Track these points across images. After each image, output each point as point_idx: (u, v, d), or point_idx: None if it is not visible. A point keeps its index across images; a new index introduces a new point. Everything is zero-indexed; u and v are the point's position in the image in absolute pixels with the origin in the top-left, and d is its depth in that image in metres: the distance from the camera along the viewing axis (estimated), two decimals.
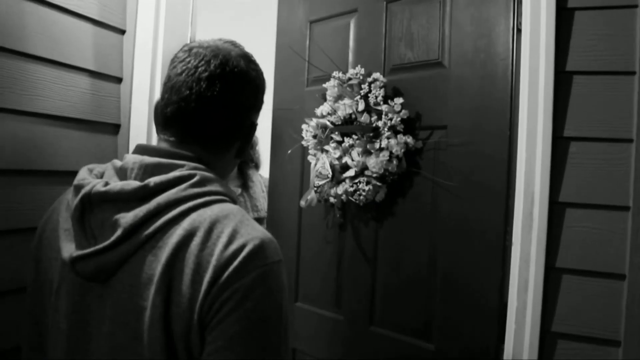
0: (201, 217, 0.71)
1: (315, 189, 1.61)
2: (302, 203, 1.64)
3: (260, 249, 0.70)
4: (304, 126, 1.68)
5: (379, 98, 1.48)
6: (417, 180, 1.48)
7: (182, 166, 0.76)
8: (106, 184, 0.75)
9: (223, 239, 0.69)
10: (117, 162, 0.78)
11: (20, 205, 1.01)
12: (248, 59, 0.85)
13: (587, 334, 1.15)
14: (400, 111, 1.47)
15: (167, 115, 0.80)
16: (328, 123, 1.61)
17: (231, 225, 0.71)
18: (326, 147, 1.61)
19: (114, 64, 1.29)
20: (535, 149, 1.18)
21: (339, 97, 1.59)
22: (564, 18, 1.19)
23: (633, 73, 1.13)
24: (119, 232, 0.70)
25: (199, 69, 0.78)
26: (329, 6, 1.74)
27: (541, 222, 1.17)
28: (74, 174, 0.78)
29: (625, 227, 1.13)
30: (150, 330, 0.68)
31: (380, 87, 1.50)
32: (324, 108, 1.61)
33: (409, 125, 1.49)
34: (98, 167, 0.81)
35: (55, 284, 0.77)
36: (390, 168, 1.46)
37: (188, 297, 0.67)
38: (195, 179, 0.74)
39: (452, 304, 1.37)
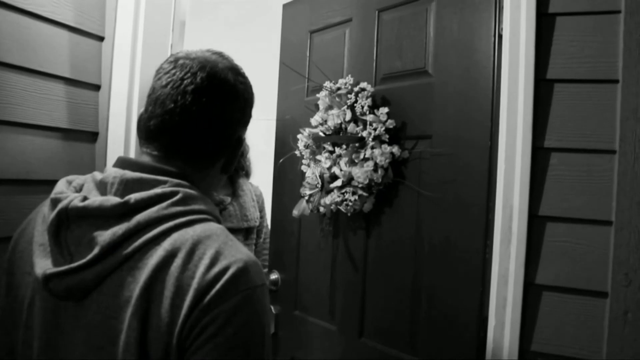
0: (183, 238, 0.68)
1: (307, 198, 1.61)
2: (295, 212, 1.64)
3: (243, 272, 0.67)
4: (299, 136, 1.68)
5: (365, 108, 1.47)
6: (403, 190, 1.46)
7: (164, 182, 0.73)
8: (84, 198, 0.72)
9: (205, 261, 0.66)
10: (98, 175, 0.76)
11: None
12: (236, 72, 0.82)
13: (568, 353, 1.10)
14: (386, 121, 1.45)
15: (150, 129, 0.77)
16: (320, 133, 1.61)
17: (214, 247, 0.68)
18: (318, 157, 1.61)
19: (92, 71, 1.27)
20: (515, 160, 1.14)
21: (329, 107, 1.58)
22: (545, 24, 1.14)
23: (616, 81, 1.08)
24: (96, 251, 0.67)
25: (185, 82, 0.75)
26: (328, 16, 1.73)
27: (520, 236, 1.13)
28: (49, 182, 0.75)
29: (608, 242, 1.07)
30: (125, 354, 0.65)
31: (368, 97, 1.48)
32: (316, 118, 1.60)
33: (396, 135, 1.46)
34: (78, 179, 0.78)
35: (27, 300, 0.75)
36: (375, 178, 1.44)
37: (167, 322, 0.65)
38: (177, 197, 0.71)
39: (435, 318, 1.33)
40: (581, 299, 1.09)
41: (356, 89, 1.49)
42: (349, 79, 1.53)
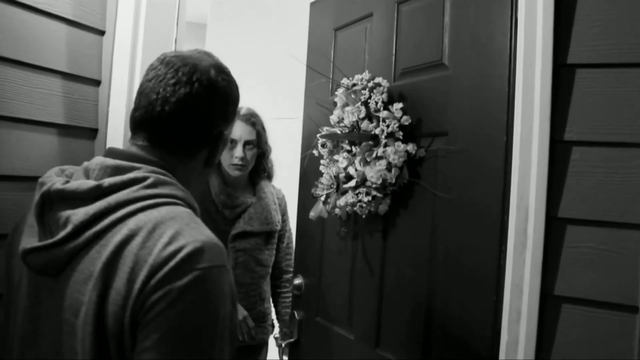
0: (147, 218, 0.71)
1: (323, 199, 1.54)
2: (312, 214, 1.58)
3: (198, 252, 0.69)
4: (318, 135, 1.63)
5: (379, 104, 1.39)
6: (418, 191, 1.36)
7: (139, 169, 0.77)
8: (66, 182, 0.77)
9: (163, 240, 0.69)
10: (87, 164, 0.81)
11: None
12: (219, 69, 0.86)
13: None
14: (401, 117, 1.36)
15: (135, 120, 0.83)
16: (338, 131, 1.54)
17: (174, 227, 0.71)
18: (336, 157, 1.54)
19: (91, 66, 1.24)
20: (530, 154, 1.01)
21: (345, 105, 1.52)
22: (564, 1, 1.02)
23: None
24: (68, 229, 0.71)
25: (167, 76, 0.81)
26: (350, 12, 1.68)
27: (536, 240, 1.00)
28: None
29: (638, 248, 0.93)
30: (84, 327, 0.69)
31: (383, 93, 1.40)
32: (333, 117, 1.54)
33: (412, 132, 1.37)
34: (71, 169, 0.84)
35: (17, 278, 0.81)
36: (389, 178, 1.35)
37: (123, 295, 0.67)
38: (148, 181, 0.75)
39: (449, 330, 1.22)
40: (607, 313, 0.95)
41: (370, 84, 1.42)
42: (365, 75, 1.46)
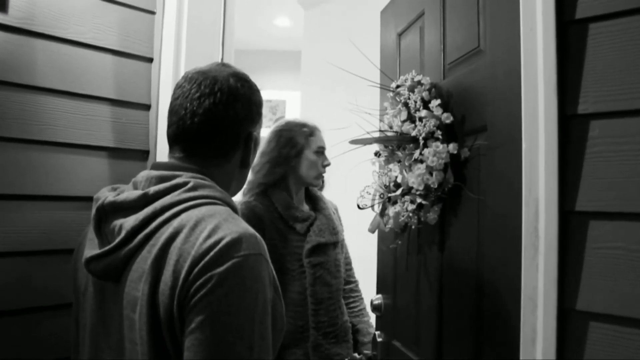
0: (189, 217, 0.77)
1: (379, 212, 1.46)
2: (369, 228, 1.51)
3: (237, 242, 0.73)
4: (349, 141, 1.55)
5: (418, 103, 1.28)
6: (465, 196, 1.20)
7: (180, 176, 0.84)
8: (117, 195, 0.85)
9: (204, 234, 0.74)
10: (135, 178, 0.90)
11: (32, 228, 1.16)
12: (237, 77, 0.91)
13: None
14: (441, 115, 1.23)
15: (170, 136, 0.91)
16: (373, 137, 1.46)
17: (214, 222, 0.76)
18: (390, 165, 1.46)
19: (140, 91, 1.34)
20: (537, 134, 0.83)
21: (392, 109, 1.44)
22: None
23: None
24: (122, 235, 0.79)
25: (192, 91, 0.88)
26: (408, 14, 1.61)
27: (549, 241, 0.80)
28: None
29: None
30: (140, 318, 0.75)
31: (424, 91, 1.29)
32: (384, 123, 1.47)
33: (455, 131, 1.23)
34: (122, 186, 0.93)
35: (83, 287, 0.90)
36: (430, 183, 1.22)
37: (170, 285, 0.73)
38: (188, 185, 0.82)
39: (490, 354, 1.03)
40: None
41: (408, 83, 1.32)
42: (410, 75, 1.36)
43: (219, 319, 0.70)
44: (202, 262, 0.72)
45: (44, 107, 1.20)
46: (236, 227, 0.76)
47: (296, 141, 1.77)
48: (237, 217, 0.81)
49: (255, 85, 0.95)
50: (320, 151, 1.78)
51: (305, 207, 1.78)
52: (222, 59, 1.44)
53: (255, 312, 0.72)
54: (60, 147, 1.22)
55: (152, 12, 1.38)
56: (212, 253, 0.72)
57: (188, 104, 0.87)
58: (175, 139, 0.90)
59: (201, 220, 0.76)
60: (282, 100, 4.71)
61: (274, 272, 0.80)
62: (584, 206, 0.78)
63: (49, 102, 1.20)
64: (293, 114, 4.34)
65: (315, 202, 1.80)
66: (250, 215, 1.66)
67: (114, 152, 1.30)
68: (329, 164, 1.78)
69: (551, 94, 0.81)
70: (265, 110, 4.94)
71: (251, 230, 0.77)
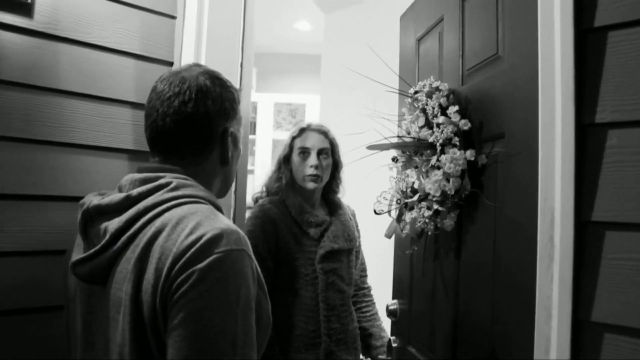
0: (171, 216, 0.78)
1: (396, 218, 1.46)
2: (386, 234, 1.51)
3: (217, 238, 0.74)
4: (366, 146, 1.55)
5: (436, 109, 1.28)
6: (482, 203, 1.19)
7: (163, 177, 0.84)
8: (102, 199, 0.85)
9: (186, 231, 0.75)
10: (120, 181, 0.90)
11: (53, 228, 1.18)
12: (209, 75, 0.91)
13: None
14: (458, 121, 1.23)
15: (147, 139, 0.91)
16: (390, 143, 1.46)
17: (195, 220, 0.76)
18: (408, 171, 1.46)
19: None
20: (554, 143, 0.83)
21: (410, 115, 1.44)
22: None
23: None
24: (107, 237, 0.80)
25: (163, 92, 0.88)
26: (427, 19, 1.61)
27: (564, 251, 0.80)
28: None
29: None
30: (124, 318, 0.75)
31: (442, 97, 1.29)
32: (401, 129, 1.47)
33: (473, 138, 1.23)
34: (108, 191, 0.92)
35: (73, 292, 0.90)
36: (447, 190, 1.22)
37: (152, 283, 0.73)
38: (171, 185, 0.82)
39: None
40: None
41: (426, 89, 1.32)
42: (428, 81, 1.36)
43: (200, 314, 0.70)
44: (184, 259, 0.72)
45: (66, 109, 1.22)
46: (218, 223, 0.76)
47: (286, 145, 1.79)
48: (220, 214, 0.81)
49: (228, 82, 0.94)
50: (303, 151, 1.73)
51: (321, 212, 1.77)
52: (241, 64, 1.45)
53: (237, 307, 0.72)
54: (83, 149, 1.23)
55: (173, 17, 1.41)
56: (193, 249, 0.72)
57: (159, 106, 0.87)
58: (152, 141, 0.90)
59: (183, 218, 0.76)
60: (302, 104, 4.72)
61: (259, 269, 0.80)
62: (601, 216, 0.78)
63: (71, 105, 1.22)
64: (312, 117, 4.35)
65: (332, 207, 1.79)
66: (264, 217, 1.66)
67: (135, 155, 1.32)
68: (314, 165, 1.69)
69: (568, 102, 0.81)
70: (284, 114, 4.98)
71: (233, 226, 0.77)
